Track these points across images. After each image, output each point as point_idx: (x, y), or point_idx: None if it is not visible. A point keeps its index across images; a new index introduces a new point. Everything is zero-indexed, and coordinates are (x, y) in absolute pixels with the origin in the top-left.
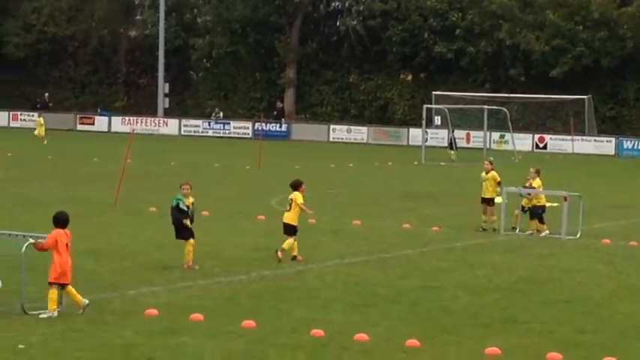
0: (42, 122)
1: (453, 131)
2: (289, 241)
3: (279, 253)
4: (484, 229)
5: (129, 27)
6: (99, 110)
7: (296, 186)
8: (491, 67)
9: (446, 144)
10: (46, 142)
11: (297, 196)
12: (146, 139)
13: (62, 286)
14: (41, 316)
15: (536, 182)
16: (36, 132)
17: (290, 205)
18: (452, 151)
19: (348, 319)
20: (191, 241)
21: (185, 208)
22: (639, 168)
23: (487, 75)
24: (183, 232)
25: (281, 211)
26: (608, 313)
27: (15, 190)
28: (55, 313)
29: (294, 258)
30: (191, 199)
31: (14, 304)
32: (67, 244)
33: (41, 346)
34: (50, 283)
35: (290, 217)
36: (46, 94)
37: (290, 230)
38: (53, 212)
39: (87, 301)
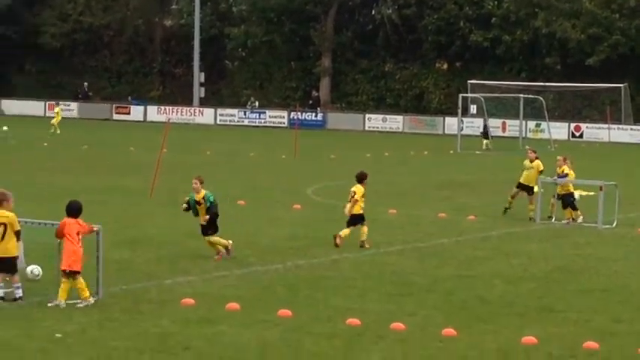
0: (58, 111)
1: (487, 120)
2: (364, 230)
3: (365, 244)
4: (507, 209)
5: (164, 16)
6: (130, 99)
7: (360, 178)
8: (527, 55)
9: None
10: (58, 132)
11: (359, 190)
12: (182, 128)
13: (72, 274)
14: (78, 305)
15: (565, 169)
16: (54, 121)
17: (352, 197)
18: (486, 140)
19: (383, 308)
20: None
21: (188, 205)
22: None
23: (523, 64)
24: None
25: (317, 201)
26: None
27: (51, 179)
28: (92, 300)
29: (366, 245)
30: (202, 193)
31: (51, 293)
32: (77, 233)
33: (78, 335)
34: (66, 272)
35: (354, 208)
36: (86, 84)
37: (358, 220)
38: (90, 202)
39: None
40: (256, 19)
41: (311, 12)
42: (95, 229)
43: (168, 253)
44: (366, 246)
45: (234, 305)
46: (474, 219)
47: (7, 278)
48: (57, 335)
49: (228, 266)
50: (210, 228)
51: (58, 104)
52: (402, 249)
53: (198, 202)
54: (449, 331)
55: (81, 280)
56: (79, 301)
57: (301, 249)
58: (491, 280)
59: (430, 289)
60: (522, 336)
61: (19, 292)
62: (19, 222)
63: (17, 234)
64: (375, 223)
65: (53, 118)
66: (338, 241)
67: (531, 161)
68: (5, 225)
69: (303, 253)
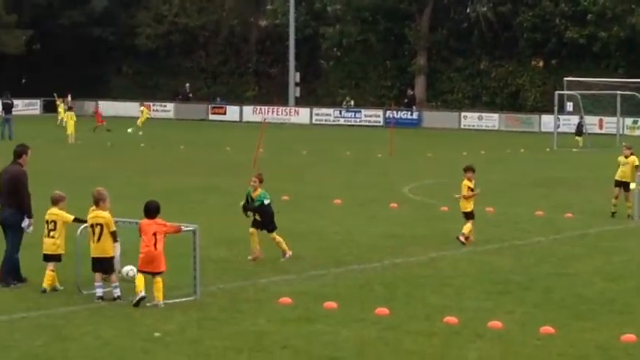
0: (143, 110)
1: (581, 117)
2: (467, 226)
3: (461, 238)
4: (614, 213)
5: (259, 16)
6: (218, 100)
7: (463, 170)
8: (623, 52)
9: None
10: (129, 130)
11: (463, 185)
12: (277, 128)
13: (152, 275)
14: (130, 299)
15: None
16: (139, 121)
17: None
18: (579, 138)
19: (481, 306)
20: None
21: (248, 201)
22: None
23: (620, 60)
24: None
25: (413, 199)
26: None
27: (148, 180)
28: (142, 294)
29: (461, 239)
30: (258, 192)
31: (149, 293)
32: (154, 234)
33: (177, 334)
34: (139, 271)
35: (462, 205)
36: (187, 85)
37: (465, 216)
38: (187, 202)
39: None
40: (351, 19)
41: (406, 10)
42: (187, 228)
43: (265, 252)
44: (462, 240)
45: (331, 304)
46: (571, 216)
47: (105, 278)
48: (156, 334)
49: (325, 265)
50: (268, 225)
51: (142, 104)
52: (499, 247)
53: (252, 199)
54: (547, 328)
55: (138, 276)
56: (176, 300)
57: (398, 247)
58: (590, 277)
59: (528, 287)
60: (622, 334)
61: (117, 292)
62: (116, 222)
63: (113, 234)
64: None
65: (139, 119)
66: (463, 239)
67: (626, 157)
68: (102, 225)
69: (401, 251)
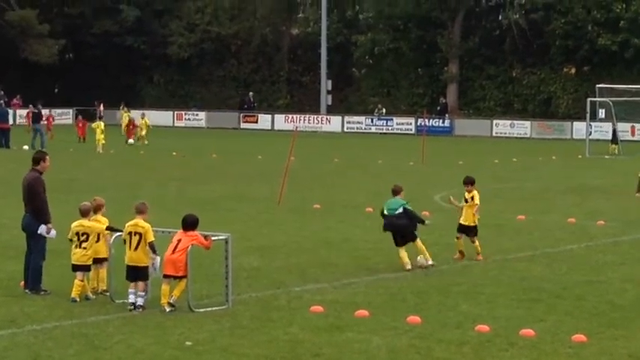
0: (148, 123)
1: (615, 125)
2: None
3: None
4: None
5: (291, 25)
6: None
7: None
8: None
9: (610, 137)
10: (146, 142)
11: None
12: (309, 136)
13: (177, 279)
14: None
15: None
16: (144, 132)
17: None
18: (613, 145)
19: (513, 314)
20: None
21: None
22: None
23: None
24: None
25: (445, 207)
26: None
27: (180, 189)
28: (167, 308)
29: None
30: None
31: (182, 301)
32: (178, 241)
33: (208, 342)
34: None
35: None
36: (251, 94)
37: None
38: (219, 210)
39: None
40: (383, 27)
41: (437, 19)
42: (220, 237)
43: (297, 260)
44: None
45: (363, 312)
46: (604, 224)
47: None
48: (187, 343)
49: (357, 273)
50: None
51: (143, 115)
52: (531, 255)
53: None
54: (579, 337)
55: (162, 287)
56: (208, 308)
57: (430, 255)
58: (622, 285)
59: (560, 295)
60: None
61: (141, 301)
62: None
63: (151, 245)
64: (504, 229)
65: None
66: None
67: None
68: (140, 234)
69: (433, 259)
